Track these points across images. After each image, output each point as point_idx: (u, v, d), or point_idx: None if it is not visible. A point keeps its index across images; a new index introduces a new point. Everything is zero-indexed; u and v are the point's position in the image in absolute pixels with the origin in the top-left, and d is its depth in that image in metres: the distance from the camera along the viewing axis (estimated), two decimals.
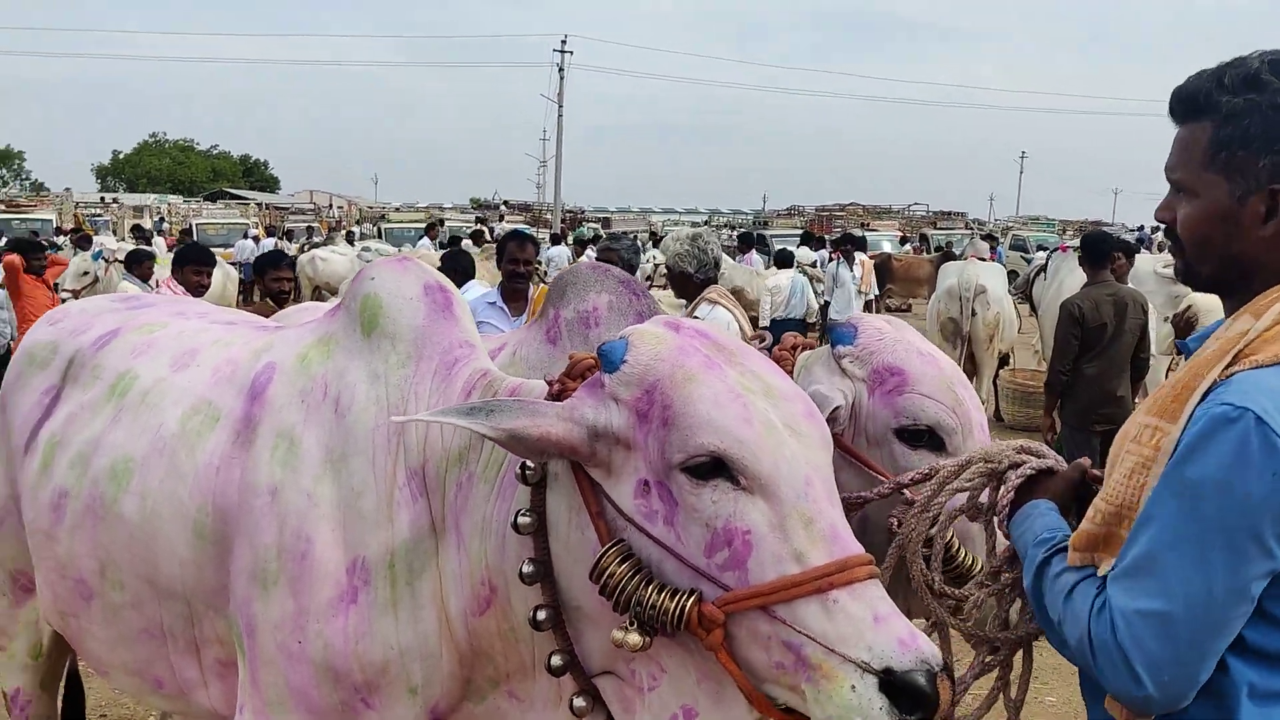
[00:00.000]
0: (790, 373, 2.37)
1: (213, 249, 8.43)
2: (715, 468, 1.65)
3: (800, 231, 36.41)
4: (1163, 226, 1.76)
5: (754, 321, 13.88)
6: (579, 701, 1.88)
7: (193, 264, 6.64)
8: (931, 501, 1.93)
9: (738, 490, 1.64)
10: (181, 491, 2.25)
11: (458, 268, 7.17)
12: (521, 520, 1.82)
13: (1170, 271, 9.34)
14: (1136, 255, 8.87)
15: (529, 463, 1.82)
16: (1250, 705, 1.56)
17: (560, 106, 44.82)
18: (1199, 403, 1.56)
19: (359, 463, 2.06)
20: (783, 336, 2.55)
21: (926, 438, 2.16)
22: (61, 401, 2.62)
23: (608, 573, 1.69)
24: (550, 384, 1.87)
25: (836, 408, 2.15)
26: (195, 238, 25.14)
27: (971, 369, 10.08)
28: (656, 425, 1.69)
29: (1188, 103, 1.67)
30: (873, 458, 2.18)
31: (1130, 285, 7.29)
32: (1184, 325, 7.45)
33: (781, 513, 1.63)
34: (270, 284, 6.44)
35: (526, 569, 1.82)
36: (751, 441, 1.64)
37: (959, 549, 2.07)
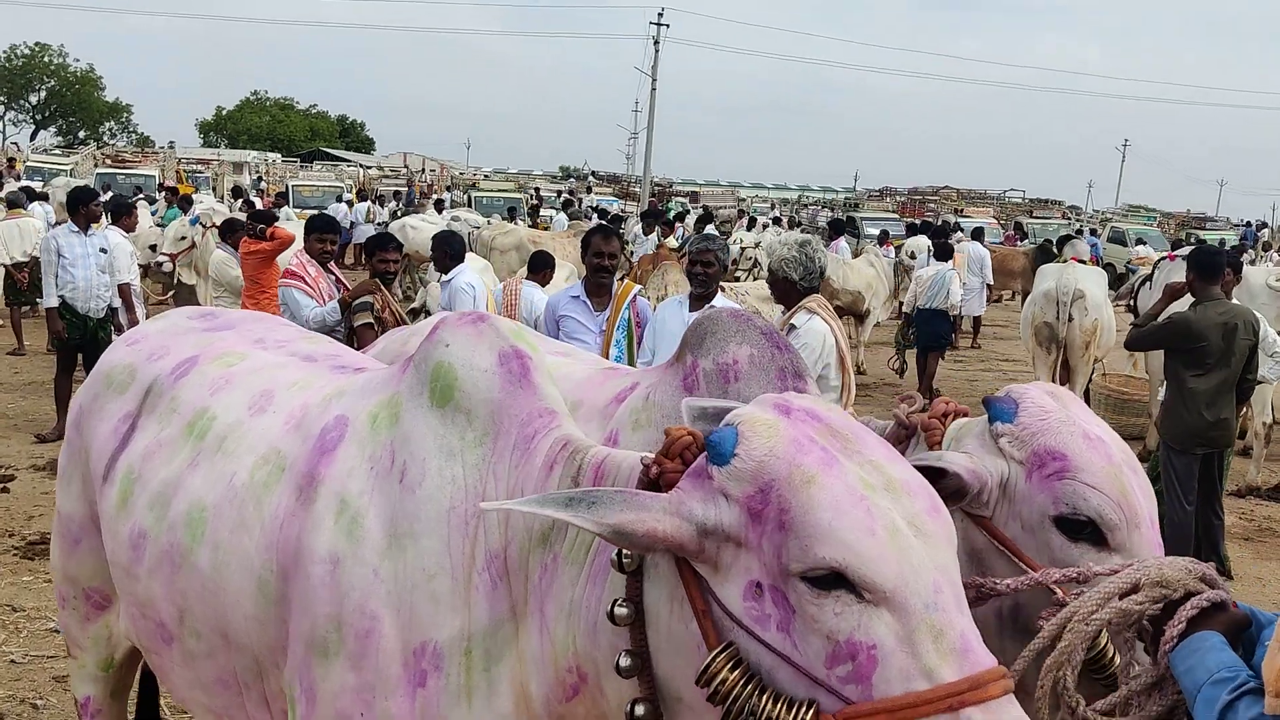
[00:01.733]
0: (939, 442, 2.25)
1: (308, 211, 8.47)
2: (838, 579, 1.53)
3: (892, 214, 35.87)
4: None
5: (849, 313, 13.66)
6: None
7: (317, 231, 6.70)
8: (1092, 618, 1.79)
9: (862, 603, 1.52)
10: (249, 545, 2.22)
11: (449, 251, 7.09)
12: (619, 611, 1.71)
13: None
14: (1245, 268, 8.50)
15: (626, 550, 1.72)
16: None
17: (654, 80, 44.56)
18: None
19: (432, 543, 1.99)
20: (935, 402, 2.40)
21: (1088, 530, 2.00)
22: (139, 431, 2.60)
23: (719, 679, 1.57)
24: (646, 465, 1.77)
25: (981, 489, 2.03)
26: (291, 201, 25.61)
27: (1065, 375, 9.80)
28: (772, 529, 1.57)
29: None
30: (1026, 545, 2.02)
31: (1239, 301, 6.98)
32: None
33: (910, 626, 1.51)
34: (377, 265, 6.50)
35: (624, 662, 1.71)
36: (875, 555, 1.52)
37: (1110, 652, 1.93)
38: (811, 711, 1.51)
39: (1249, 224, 42.60)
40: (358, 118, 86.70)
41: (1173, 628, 1.73)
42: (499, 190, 36.01)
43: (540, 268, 7.34)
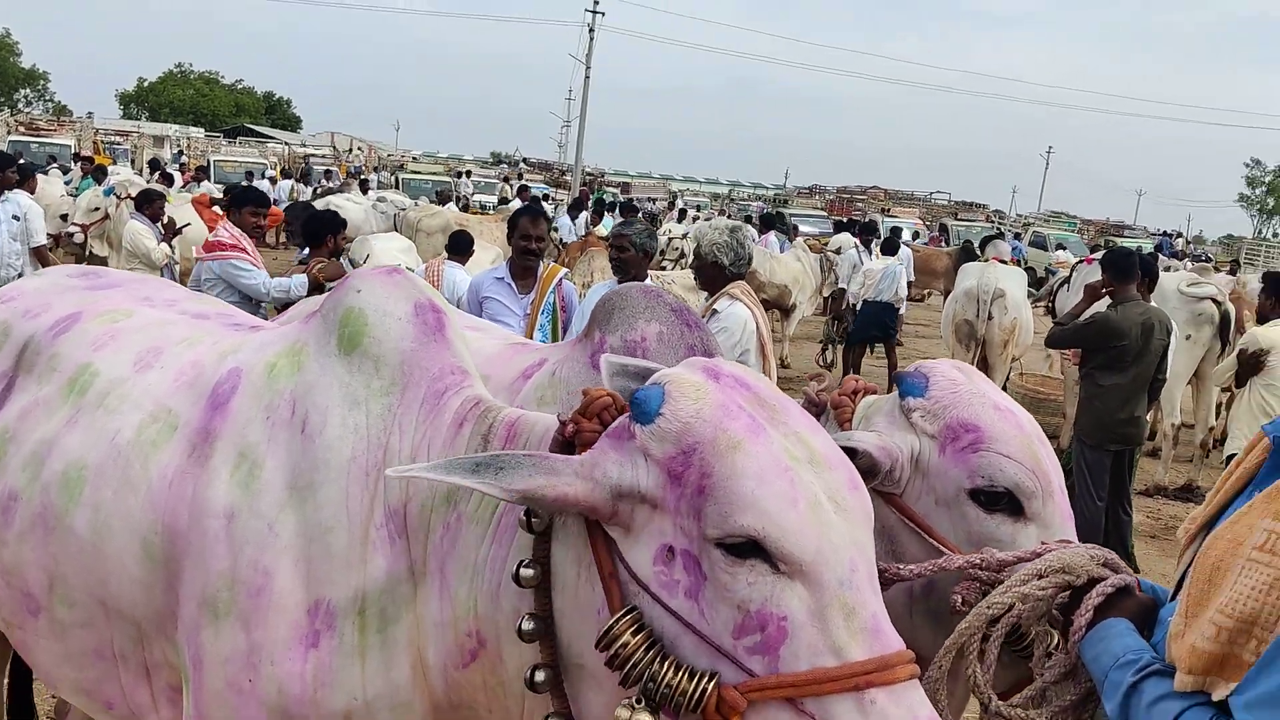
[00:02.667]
0: (849, 420, 2.22)
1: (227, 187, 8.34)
2: (754, 548, 1.49)
3: (820, 212, 36.26)
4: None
5: (775, 306, 13.77)
6: None
7: (251, 204, 6.57)
8: (993, 602, 1.78)
9: (776, 574, 1.49)
10: (134, 505, 2.09)
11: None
12: (525, 572, 1.66)
13: (1194, 290, 9.17)
14: (1159, 273, 8.70)
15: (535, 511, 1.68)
16: None
17: (588, 68, 44.39)
18: None
19: (331, 495, 1.90)
20: (844, 380, 2.38)
21: (1005, 500, 1.98)
22: (15, 391, 2.43)
23: (619, 643, 1.53)
24: (563, 423, 1.71)
25: (893, 467, 2.01)
26: (212, 176, 25.04)
27: (984, 373, 9.94)
28: (692, 492, 1.52)
29: None
30: (940, 520, 2.01)
31: (1153, 304, 7.14)
32: (1252, 364, 7.28)
33: (823, 601, 1.48)
34: (340, 244, 6.43)
35: (527, 625, 1.66)
36: (796, 527, 1.48)
37: (1030, 633, 1.89)
38: (713, 682, 1.47)
39: (1165, 234, 43.83)
40: (285, 95, 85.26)
41: (1080, 616, 1.73)
42: (428, 173, 35.66)
43: (462, 248, 7.23)
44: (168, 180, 19.12)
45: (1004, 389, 9.05)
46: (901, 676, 1.46)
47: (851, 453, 1.91)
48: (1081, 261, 12.01)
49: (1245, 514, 1.56)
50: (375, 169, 39.11)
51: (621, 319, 2.11)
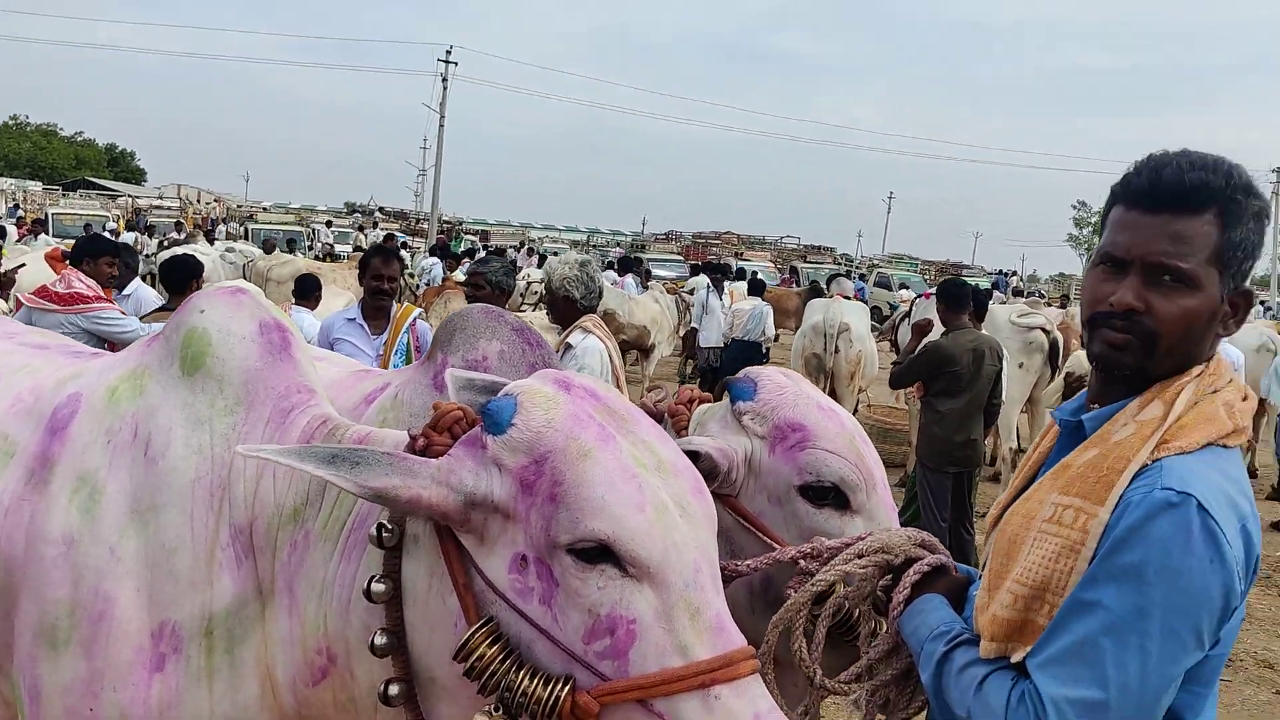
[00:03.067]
0: (686, 427, 2.30)
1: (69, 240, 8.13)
2: (604, 553, 1.54)
3: (677, 256, 36.89)
4: (1105, 313, 1.68)
5: (635, 347, 13.97)
6: None
7: (107, 255, 6.54)
8: (817, 580, 1.88)
9: (625, 578, 1.53)
10: None
11: (130, 263, 6.99)
12: (376, 587, 1.66)
13: (1025, 320, 9.72)
14: (990, 304, 9.23)
15: (386, 523, 1.68)
16: None
17: (442, 117, 44.31)
18: (1128, 486, 1.57)
19: (174, 517, 1.87)
20: (680, 389, 2.48)
21: (831, 495, 2.08)
22: None
23: (476, 654, 1.56)
24: (413, 437, 1.74)
25: (729, 470, 2.10)
26: (51, 228, 24.03)
27: None
28: (543, 500, 1.56)
29: (1194, 192, 1.64)
30: (774, 517, 2.10)
31: (985, 333, 7.56)
32: (1076, 386, 7.77)
33: (669, 602, 1.54)
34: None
35: (379, 640, 1.67)
36: (643, 530, 1.54)
37: (856, 614, 2.00)
38: (567, 687, 1.52)
39: (1001, 273, 46.03)
40: (128, 147, 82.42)
41: (899, 594, 1.85)
42: (278, 223, 34.97)
43: (307, 292, 7.18)
44: (1, 233, 18.32)
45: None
46: (744, 672, 1.53)
47: (693, 456, 2.01)
48: (920, 296, 12.57)
49: (1035, 491, 1.71)
50: (222, 220, 38.10)
51: (463, 339, 2.16)
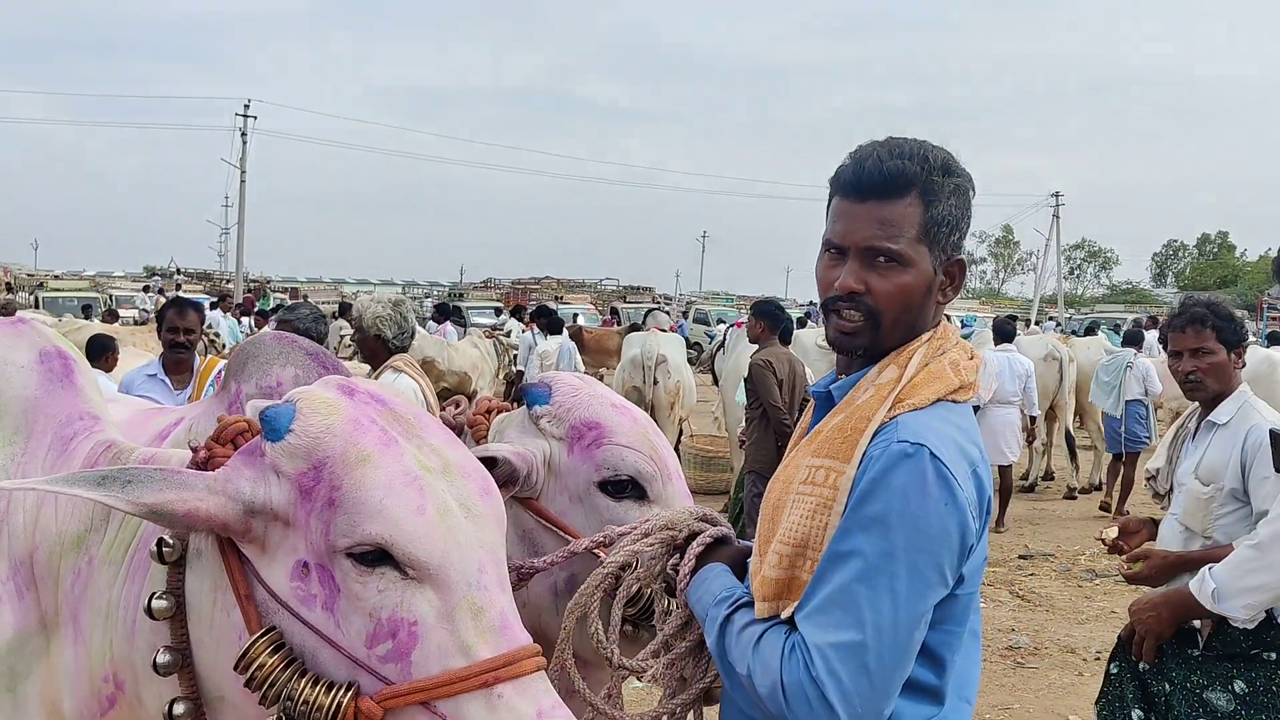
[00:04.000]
0: (485, 436, 2.31)
1: None
2: (383, 556, 1.55)
3: (495, 303, 36.81)
4: (834, 298, 1.80)
5: (457, 393, 13.88)
6: None
7: None
8: (609, 562, 1.92)
9: (406, 580, 1.55)
10: None
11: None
12: (157, 604, 1.64)
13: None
14: (796, 331, 9.65)
15: (167, 539, 1.66)
16: None
17: (243, 172, 43.04)
18: (869, 443, 1.69)
19: None
20: (478, 400, 2.50)
21: (629, 487, 2.15)
22: None
23: (256, 664, 1.55)
24: (195, 450, 1.72)
25: (528, 473, 2.13)
26: None
27: None
28: (322, 505, 1.56)
29: (894, 180, 1.75)
30: (576, 515, 2.15)
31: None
32: None
33: (451, 603, 1.55)
34: None
35: (162, 658, 1.64)
36: (422, 533, 1.55)
37: (648, 594, 2.05)
38: (349, 694, 1.52)
39: (812, 303, 47.88)
40: None
41: (684, 565, 1.91)
42: (71, 290, 33.26)
43: (97, 352, 6.87)
44: None
45: (675, 449, 9.61)
46: (528, 669, 1.55)
47: (491, 463, 2.03)
48: (732, 325, 12.96)
49: (793, 458, 1.83)
50: (9, 288, 35.87)
51: (255, 366, 2.12)
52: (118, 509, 1.56)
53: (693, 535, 1.95)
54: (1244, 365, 3.72)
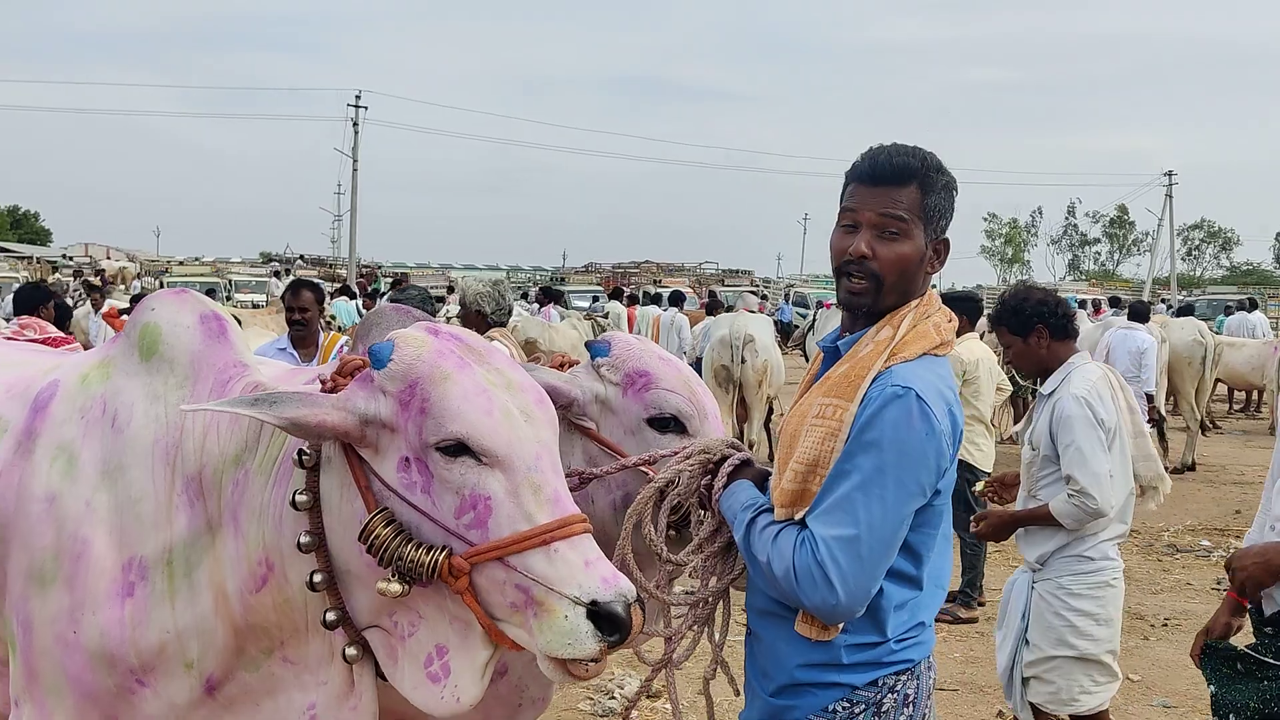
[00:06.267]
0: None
1: None
2: (462, 448, 2.01)
3: (596, 287, 37.48)
4: (847, 261, 2.24)
5: None
6: (350, 651, 2.19)
7: (45, 302, 6.97)
8: (657, 478, 2.39)
9: (481, 465, 2.01)
10: None
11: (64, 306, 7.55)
12: (299, 499, 2.11)
13: None
14: None
15: (305, 449, 2.11)
16: (893, 613, 2.17)
17: (355, 161, 44.51)
18: (869, 386, 2.14)
19: (137, 474, 2.27)
20: (553, 356, 2.99)
21: (672, 424, 2.59)
22: None
23: (374, 534, 2.01)
24: (323, 381, 2.17)
25: (574, 400, 2.60)
26: None
27: (743, 413, 10.84)
28: (416, 413, 2.03)
29: (900, 171, 2.22)
30: (629, 444, 2.60)
31: None
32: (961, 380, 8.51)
33: (516, 482, 2.01)
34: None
35: (304, 539, 2.10)
36: (490, 429, 2.02)
37: (687, 505, 2.47)
38: (444, 553, 2.00)
39: None
40: (31, 208, 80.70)
41: (718, 482, 2.37)
42: (194, 275, 34.93)
43: None
44: None
45: (767, 426, 10.05)
46: (577, 531, 2.02)
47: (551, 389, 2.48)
48: (821, 306, 13.25)
49: (807, 398, 2.31)
50: (137, 275, 37.80)
51: (378, 331, 2.60)
52: (268, 422, 2.02)
53: (724, 458, 2.41)
54: (1053, 342, 4.24)
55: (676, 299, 16.60)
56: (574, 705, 5.50)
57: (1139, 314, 12.30)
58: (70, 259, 47.91)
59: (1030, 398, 16.89)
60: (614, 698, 5.57)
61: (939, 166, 2.27)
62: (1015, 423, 15.30)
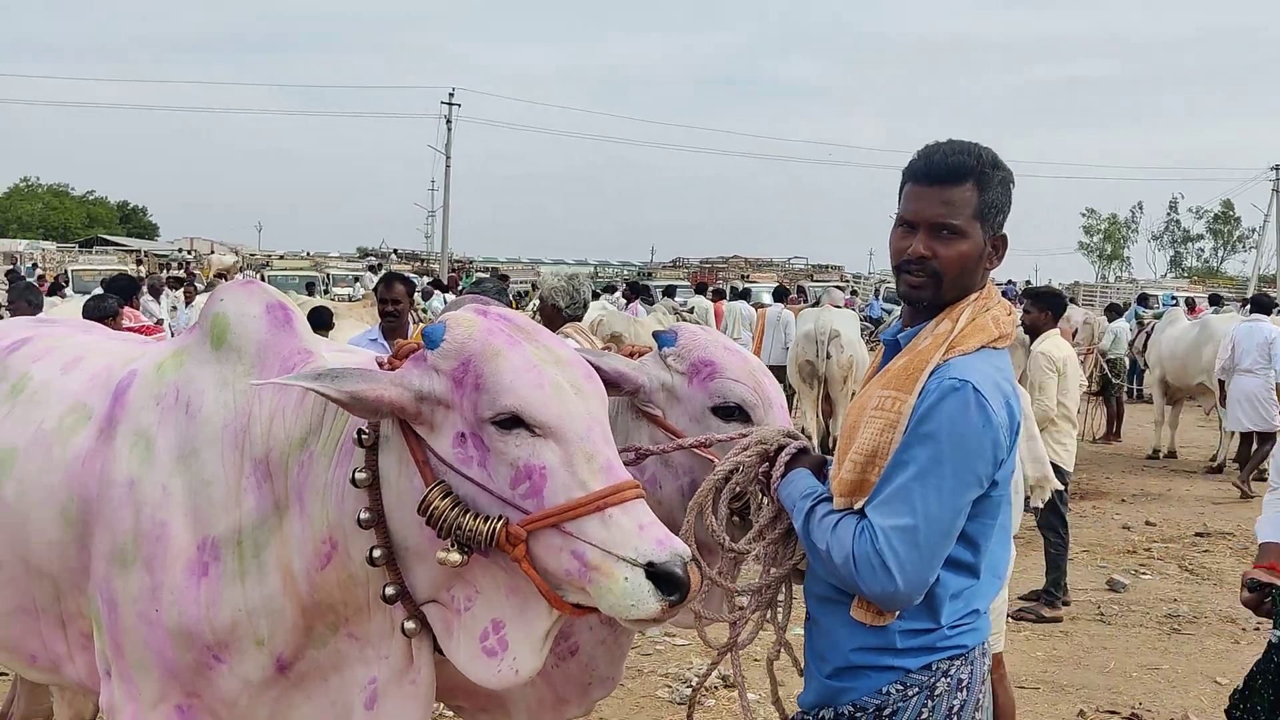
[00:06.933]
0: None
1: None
2: (515, 421, 2.07)
3: (683, 282, 37.52)
4: (905, 261, 2.26)
5: None
6: (409, 625, 2.26)
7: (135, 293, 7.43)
8: (718, 470, 2.44)
9: (535, 437, 2.07)
10: (54, 480, 2.53)
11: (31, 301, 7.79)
12: (359, 476, 2.18)
13: None
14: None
15: (364, 429, 2.20)
16: (949, 602, 2.20)
17: (448, 158, 45.21)
18: (927, 379, 2.17)
19: (209, 457, 2.38)
20: (624, 345, 3.05)
21: (737, 413, 2.63)
22: None
23: (433, 506, 2.08)
24: (381, 363, 2.27)
25: (641, 386, 2.67)
26: (71, 284, 24.84)
27: (828, 408, 10.80)
28: (470, 389, 2.10)
29: (956, 170, 2.23)
30: (694, 433, 2.65)
31: None
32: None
33: (569, 452, 2.07)
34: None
35: (364, 515, 2.19)
36: (542, 401, 2.08)
37: (747, 494, 2.52)
38: (501, 522, 2.07)
39: (1010, 282, 46.53)
40: (139, 203, 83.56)
41: (777, 470, 2.42)
42: (294, 269, 35.88)
43: (319, 325, 7.79)
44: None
45: None
46: (630, 497, 2.07)
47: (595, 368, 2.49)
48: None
49: (867, 390, 2.34)
50: (242, 269, 38.96)
51: None
52: (329, 396, 2.09)
53: (781, 448, 2.45)
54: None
55: (781, 294, 16.50)
56: (652, 693, 5.59)
57: (1263, 306, 12.39)
58: (182, 251, 49.54)
59: (1128, 397, 16.52)
60: (690, 686, 5.63)
61: (995, 162, 2.27)
62: (1108, 422, 14.99)
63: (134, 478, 2.43)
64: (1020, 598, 7.00)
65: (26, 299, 7.73)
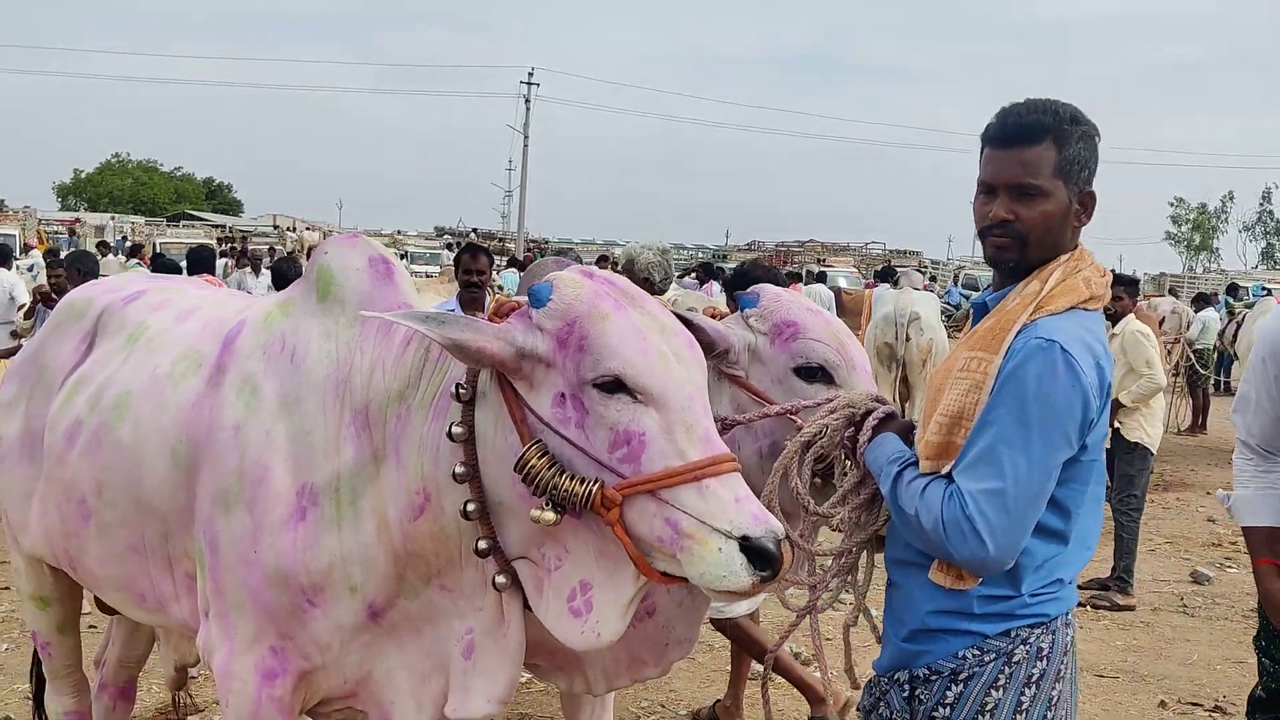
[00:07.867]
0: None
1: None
2: (618, 385, 2.06)
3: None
4: (988, 226, 2.21)
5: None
6: (500, 579, 2.28)
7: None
8: (804, 432, 2.42)
9: (636, 403, 2.05)
10: (166, 421, 2.63)
11: (83, 269, 7.90)
12: (455, 430, 2.20)
13: None
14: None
15: (462, 384, 2.21)
16: (1032, 571, 2.16)
17: (526, 138, 45.48)
18: (1013, 339, 2.13)
19: (311, 405, 2.44)
20: (705, 308, 3.05)
21: (819, 374, 2.62)
22: (95, 348, 3.02)
23: (530, 465, 2.08)
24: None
25: (728, 348, 2.66)
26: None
27: (906, 392, 10.64)
28: (574, 350, 2.09)
29: (1031, 129, 2.18)
30: (777, 393, 2.64)
31: None
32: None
33: (669, 420, 2.05)
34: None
35: (459, 470, 2.19)
36: (647, 367, 2.06)
37: (831, 457, 2.48)
38: (597, 485, 2.05)
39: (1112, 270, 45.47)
40: (225, 179, 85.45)
41: (864, 434, 2.38)
42: None
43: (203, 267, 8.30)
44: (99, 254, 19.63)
45: None
46: (726, 469, 2.05)
47: (695, 328, 2.52)
48: (989, 288, 12.88)
49: (955, 353, 2.29)
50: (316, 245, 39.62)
51: (539, 279, 2.74)
52: (432, 338, 2.11)
53: (869, 412, 2.41)
54: None
55: (887, 274, 16.22)
56: (723, 668, 5.55)
57: None
58: (271, 227, 50.57)
59: (1215, 389, 16.08)
60: (762, 663, 5.61)
61: (1074, 116, 2.21)
62: (1193, 414, 14.61)
63: (239, 422, 2.50)
64: (1081, 586, 6.86)
65: (78, 267, 7.92)
